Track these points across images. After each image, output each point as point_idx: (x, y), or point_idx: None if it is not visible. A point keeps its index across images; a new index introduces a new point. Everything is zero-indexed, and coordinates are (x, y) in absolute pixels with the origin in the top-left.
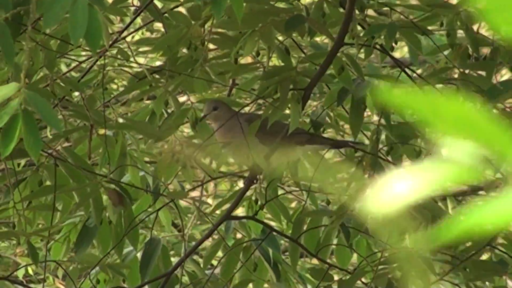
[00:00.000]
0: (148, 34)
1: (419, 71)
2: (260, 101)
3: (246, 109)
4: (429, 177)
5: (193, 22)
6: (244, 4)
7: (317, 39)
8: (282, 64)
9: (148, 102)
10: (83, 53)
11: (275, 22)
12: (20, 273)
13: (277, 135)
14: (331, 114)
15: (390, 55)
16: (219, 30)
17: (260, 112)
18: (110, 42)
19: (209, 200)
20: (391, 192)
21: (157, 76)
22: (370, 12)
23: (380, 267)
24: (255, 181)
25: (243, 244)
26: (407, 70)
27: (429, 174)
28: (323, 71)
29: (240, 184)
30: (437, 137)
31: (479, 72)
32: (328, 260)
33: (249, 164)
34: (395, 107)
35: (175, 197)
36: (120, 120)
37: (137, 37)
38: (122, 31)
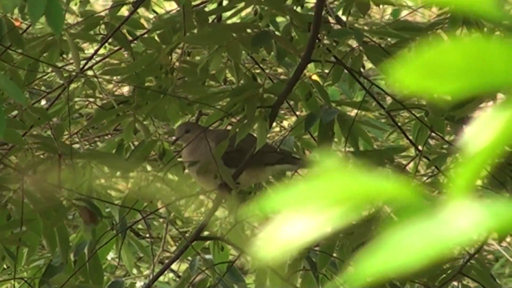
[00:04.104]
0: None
1: None
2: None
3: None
4: (320, 217)
5: (164, 46)
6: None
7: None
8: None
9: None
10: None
11: (241, 38)
12: None
13: (245, 153)
14: (298, 143)
15: (353, 76)
16: (188, 58)
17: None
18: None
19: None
20: (283, 235)
21: (122, 106)
22: None
23: None
24: (223, 201)
25: (207, 284)
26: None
27: (319, 214)
28: (290, 89)
29: None
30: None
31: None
32: None
33: (215, 184)
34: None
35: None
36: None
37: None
38: (90, 58)
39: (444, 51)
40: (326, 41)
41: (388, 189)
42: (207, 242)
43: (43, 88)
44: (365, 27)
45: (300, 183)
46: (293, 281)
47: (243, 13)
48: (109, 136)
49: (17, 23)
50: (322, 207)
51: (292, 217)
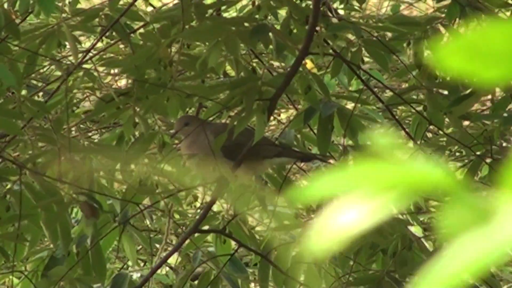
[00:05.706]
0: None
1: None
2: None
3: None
4: (370, 205)
5: (162, 40)
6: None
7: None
8: None
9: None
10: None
11: (239, 32)
12: None
13: (243, 146)
14: (298, 136)
15: (353, 71)
16: (187, 51)
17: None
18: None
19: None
20: (334, 225)
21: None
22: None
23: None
24: (223, 194)
25: (210, 277)
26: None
27: (368, 203)
28: (289, 81)
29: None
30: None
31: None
32: None
33: (214, 177)
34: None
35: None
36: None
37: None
38: (89, 50)
39: (490, 34)
40: (324, 34)
41: (435, 177)
42: (209, 235)
43: (40, 80)
44: (361, 20)
45: (346, 169)
46: (295, 275)
47: (239, 6)
48: (103, 129)
49: None
50: (368, 194)
51: (343, 207)
